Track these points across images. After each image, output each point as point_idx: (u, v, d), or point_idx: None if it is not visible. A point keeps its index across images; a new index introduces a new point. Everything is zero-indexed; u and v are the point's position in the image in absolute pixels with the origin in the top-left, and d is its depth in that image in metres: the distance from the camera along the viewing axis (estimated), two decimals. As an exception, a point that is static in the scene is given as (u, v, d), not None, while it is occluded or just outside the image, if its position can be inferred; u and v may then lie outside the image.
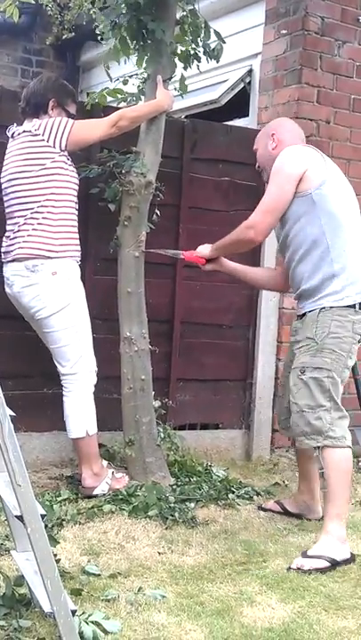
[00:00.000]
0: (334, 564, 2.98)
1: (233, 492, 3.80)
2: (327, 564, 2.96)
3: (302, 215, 3.23)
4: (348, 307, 3.18)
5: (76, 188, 3.60)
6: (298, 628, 2.43)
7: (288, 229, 3.32)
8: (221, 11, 5.30)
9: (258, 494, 3.87)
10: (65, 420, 3.60)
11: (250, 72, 5.25)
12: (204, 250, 3.60)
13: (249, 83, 5.27)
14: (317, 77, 4.77)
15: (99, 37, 4.01)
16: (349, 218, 3.26)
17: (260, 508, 3.69)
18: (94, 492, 3.56)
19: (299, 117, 4.63)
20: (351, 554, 3.06)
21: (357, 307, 3.19)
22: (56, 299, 3.48)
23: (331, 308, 3.19)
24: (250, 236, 3.30)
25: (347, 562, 3.02)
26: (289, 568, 2.94)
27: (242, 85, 5.29)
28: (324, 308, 3.20)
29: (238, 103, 5.30)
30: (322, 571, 2.93)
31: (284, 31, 4.80)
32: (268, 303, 4.65)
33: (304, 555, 3.01)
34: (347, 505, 3.20)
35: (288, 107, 4.74)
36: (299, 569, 2.92)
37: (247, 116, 5.26)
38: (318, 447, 3.16)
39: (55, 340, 3.54)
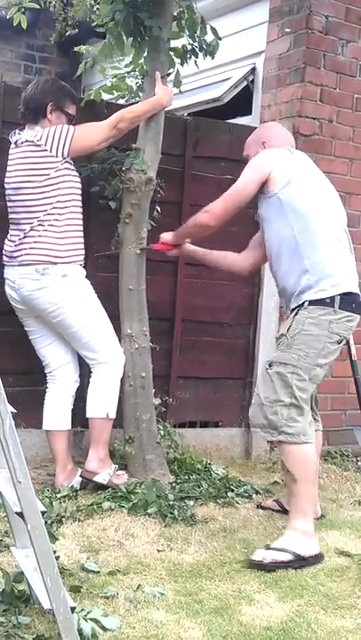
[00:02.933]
0: (299, 559, 2.96)
1: (232, 491, 3.80)
2: (291, 558, 2.95)
3: (274, 216, 3.30)
4: (326, 305, 3.17)
5: (80, 191, 3.62)
6: (296, 627, 2.43)
7: (265, 232, 3.40)
8: (225, 9, 5.30)
9: (257, 493, 3.87)
10: (87, 400, 3.64)
11: (253, 70, 5.24)
12: (167, 236, 3.70)
13: (252, 81, 5.27)
14: (321, 76, 4.77)
15: (103, 31, 3.99)
16: (322, 215, 3.26)
17: (259, 506, 3.69)
18: (94, 478, 3.59)
19: (301, 116, 4.64)
20: (320, 551, 3.05)
21: (336, 305, 3.17)
22: (70, 299, 3.53)
23: (309, 305, 3.19)
24: (205, 219, 3.41)
25: (315, 559, 3.00)
26: (251, 561, 2.93)
27: (245, 83, 5.29)
28: (302, 305, 3.20)
29: (241, 101, 5.30)
30: (286, 564, 2.92)
31: (287, 29, 4.80)
32: (269, 302, 4.65)
33: (267, 547, 3.01)
34: (312, 501, 3.20)
35: (291, 105, 4.74)
36: (260, 562, 2.91)
37: (250, 114, 5.26)
38: (280, 442, 3.18)
39: (80, 337, 3.60)
